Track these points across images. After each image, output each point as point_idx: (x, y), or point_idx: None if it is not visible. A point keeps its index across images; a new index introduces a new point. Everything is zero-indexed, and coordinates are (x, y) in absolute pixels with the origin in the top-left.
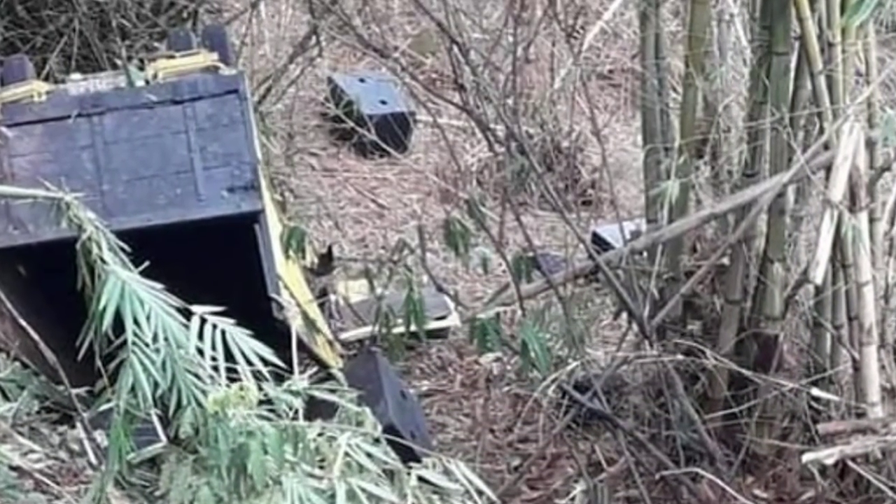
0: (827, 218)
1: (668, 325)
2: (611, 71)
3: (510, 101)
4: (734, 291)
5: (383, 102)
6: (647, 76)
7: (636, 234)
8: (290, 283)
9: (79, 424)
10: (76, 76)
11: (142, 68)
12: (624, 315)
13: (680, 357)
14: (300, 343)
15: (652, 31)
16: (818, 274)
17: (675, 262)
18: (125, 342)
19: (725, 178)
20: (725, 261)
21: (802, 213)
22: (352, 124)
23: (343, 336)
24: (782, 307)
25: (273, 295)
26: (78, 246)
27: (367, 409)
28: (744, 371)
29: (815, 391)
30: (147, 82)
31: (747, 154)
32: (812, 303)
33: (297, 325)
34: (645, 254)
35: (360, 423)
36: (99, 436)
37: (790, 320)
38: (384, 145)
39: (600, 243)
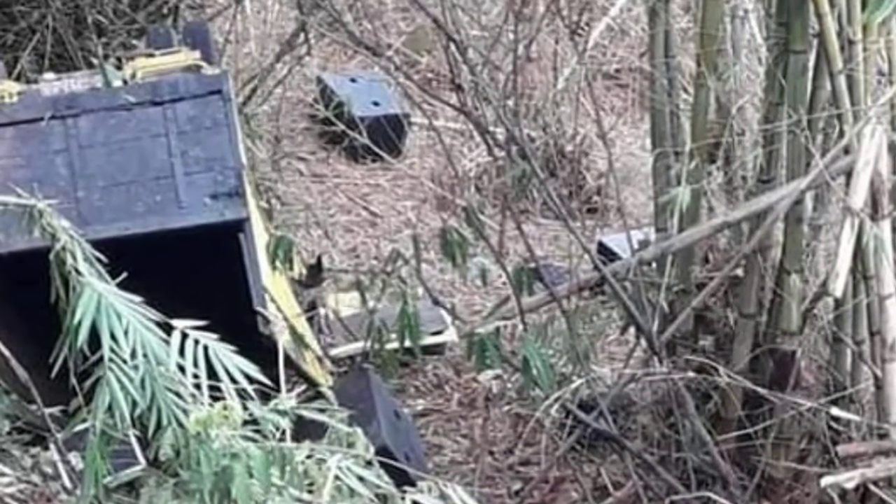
0: (847, 227)
1: (678, 340)
2: (618, 70)
3: (511, 103)
4: (749, 305)
5: (376, 104)
6: (656, 76)
7: (644, 244)
8: (276, 295)
9: (52, 446)
10: (49, 76)
11: (119, 67)
12: (631, 330)
13: (691, 374)
14: (287, 359)
15: (661, 28)
16: (838, 286)
17: (686, 274)
18: (101, 359)
19: (739, 184)
20: (739, 272)
21: (821, 222)
22: (342, 127)
23: (333, 352)
24: (800, 321)
25: (259, 308)
26: (51, 256)
27: (359, 430)
28: (759, 389)
29: (835, 411)
30: (125, 82)
31: (763, 159)
32: (831, 317)
33: (284, 341)
34: (654, 265)
35: (351, 445)
36: (74, 458)
37: (808, 335)
38: (377, 149)
39: (606, 253)
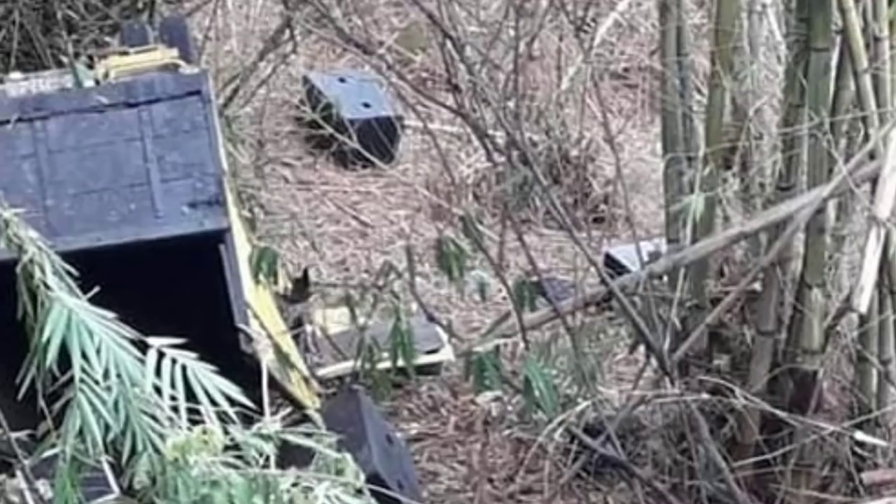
0: (873, 237)
1: (691, 359)
2: (626, 69)
3: (511, 104)
4: (767, 321)
5: (366, 105)
6: (667, 75)
7: (655, 256)
8: (260, 311)
9: (19, 473)
10: (16, 75)
11: (91, 66)
12: (641, 348)
13: (705, 396)
14: (272, 380)
15: (673, 24)
16: (863, 301)
17: (700, 288)
18: (72, 379)
19: (757, 191)
20: (757, 286)
21: (845, 232)
22: (331, 130)
23: (321, 372)
24: (822, 339)
25: (241, 325)
26: (18, 269)
27: (349, 456)
28: (778, 412)
29: (860, 435)
30: (97, 82)
31: (782, 164)
32: (856, 334)
33: (268, 360)
34: (665, 278)
35: (339, 472)
36: (42, 486)
37: (831, 354)
38: (368, 154)
39: (614, 266)
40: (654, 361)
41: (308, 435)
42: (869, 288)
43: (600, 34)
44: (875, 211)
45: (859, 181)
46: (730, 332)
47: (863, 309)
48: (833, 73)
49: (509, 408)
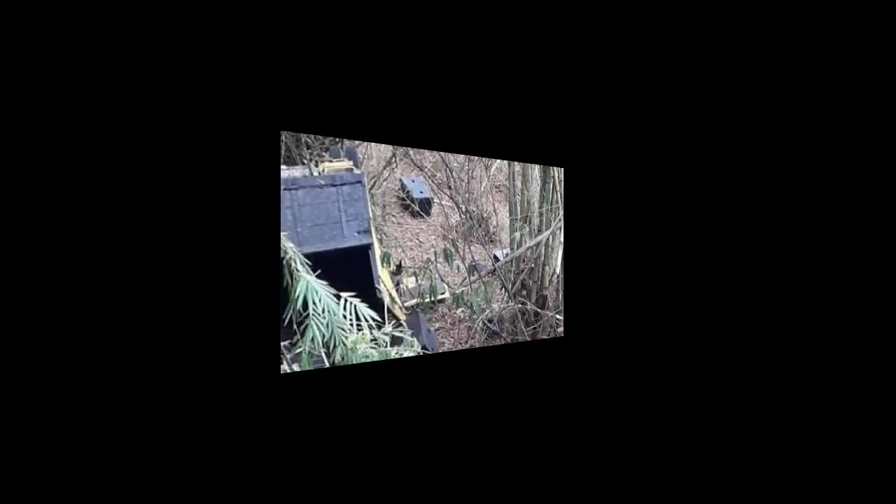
0: (559, 249)
1: (517, 293)
2: (499, 187)
3: (465, 195)
4: (536, 278)
5: (422, 192)
6: (512, 192)
7: (507, 255)
8: (384, 279)
9: (285, 361)
10: (283, 167)
11: (317, 165)
12: (503, 289)
13: (520, 306)
14: (388, 309)
15: (511, 171)
16: (557, 268)
17: (519, 266)
18: (307, 315)
19: (534, 232)
20: (532, 265)
21: (552, 246)
22: (409, 202)
23: (406, 304)
24: (549, 283)
25: (377, 285)
26: (283, 262)
27: (415, 339)
28: (539, 310)
29: (558, 316)
30: (319, 173)
31: (538, 223)
32: (557, 279)
33: (387, 300)
34: (512, 263)
35: (411, 346)
36: (295, 366)
37: (551, 288)
38: (422, 213)
39: (496, 259)
40: (506, 294)
41: (401, 332)
42: (558, 263)
43: (493, 169)
44: (558, 239)
45: (556, 230)
46: (527, 282)
47: (558, 271)
48: (550, 199)
49: (467, 314)
